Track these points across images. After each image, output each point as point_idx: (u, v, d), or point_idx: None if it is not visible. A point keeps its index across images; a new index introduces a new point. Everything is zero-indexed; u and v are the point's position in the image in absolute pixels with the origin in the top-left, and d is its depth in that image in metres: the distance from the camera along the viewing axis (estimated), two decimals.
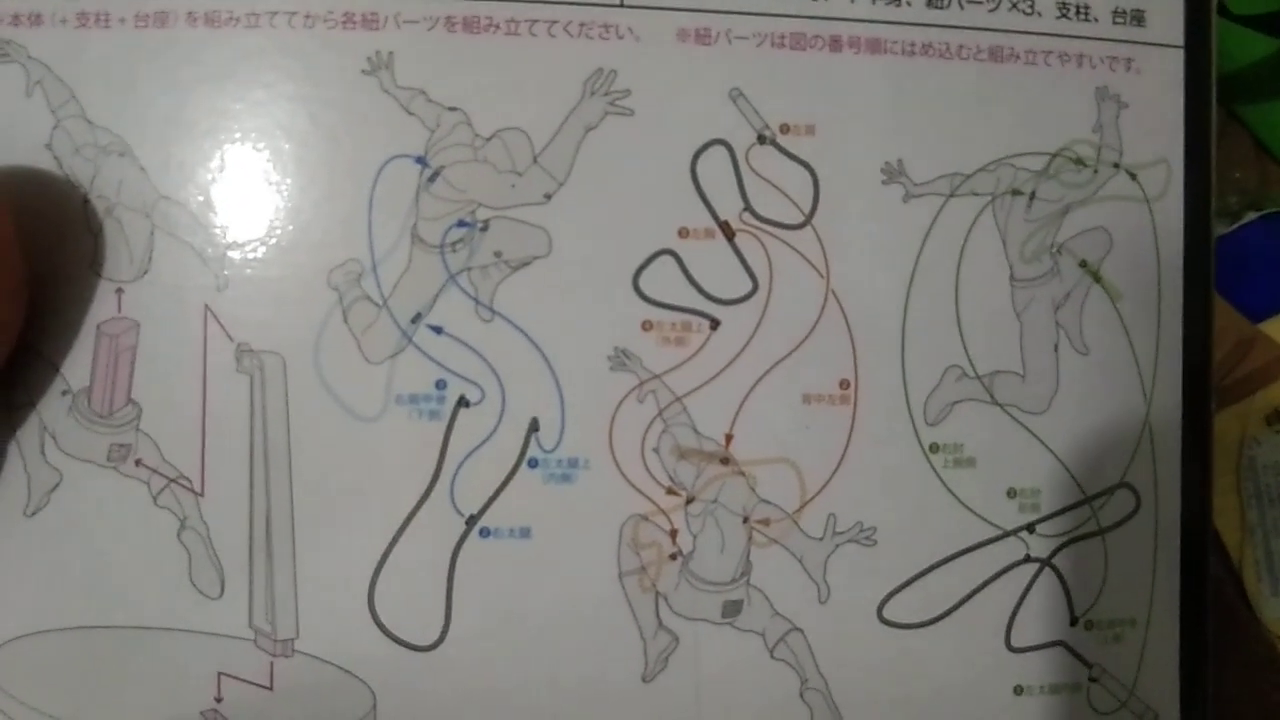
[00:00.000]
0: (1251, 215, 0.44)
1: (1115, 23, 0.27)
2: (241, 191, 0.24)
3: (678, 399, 0.25)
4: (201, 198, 0.24)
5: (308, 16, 0.24)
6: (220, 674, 0.24)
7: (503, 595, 0.25)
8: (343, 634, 0.24)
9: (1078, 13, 0.27)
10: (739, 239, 0.26)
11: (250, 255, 0.24)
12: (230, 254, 0.24)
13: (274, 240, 0.24)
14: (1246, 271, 0.44)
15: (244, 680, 0.24)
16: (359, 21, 0.24)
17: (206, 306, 0.24)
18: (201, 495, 0.24)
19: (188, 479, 0.24)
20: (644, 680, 0.25)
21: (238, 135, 0.24)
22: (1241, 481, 0.41)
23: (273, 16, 0.24)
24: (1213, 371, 0.28)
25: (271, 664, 0.24)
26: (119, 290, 0.24)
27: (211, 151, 0.24)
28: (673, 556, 0.25)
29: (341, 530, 0.24)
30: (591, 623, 0.25)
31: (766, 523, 0.26)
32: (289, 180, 0.24)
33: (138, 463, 0.24)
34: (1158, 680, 0.27)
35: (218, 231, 0.24)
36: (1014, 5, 0.26)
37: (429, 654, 0.25)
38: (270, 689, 0.24)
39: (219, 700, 0.24)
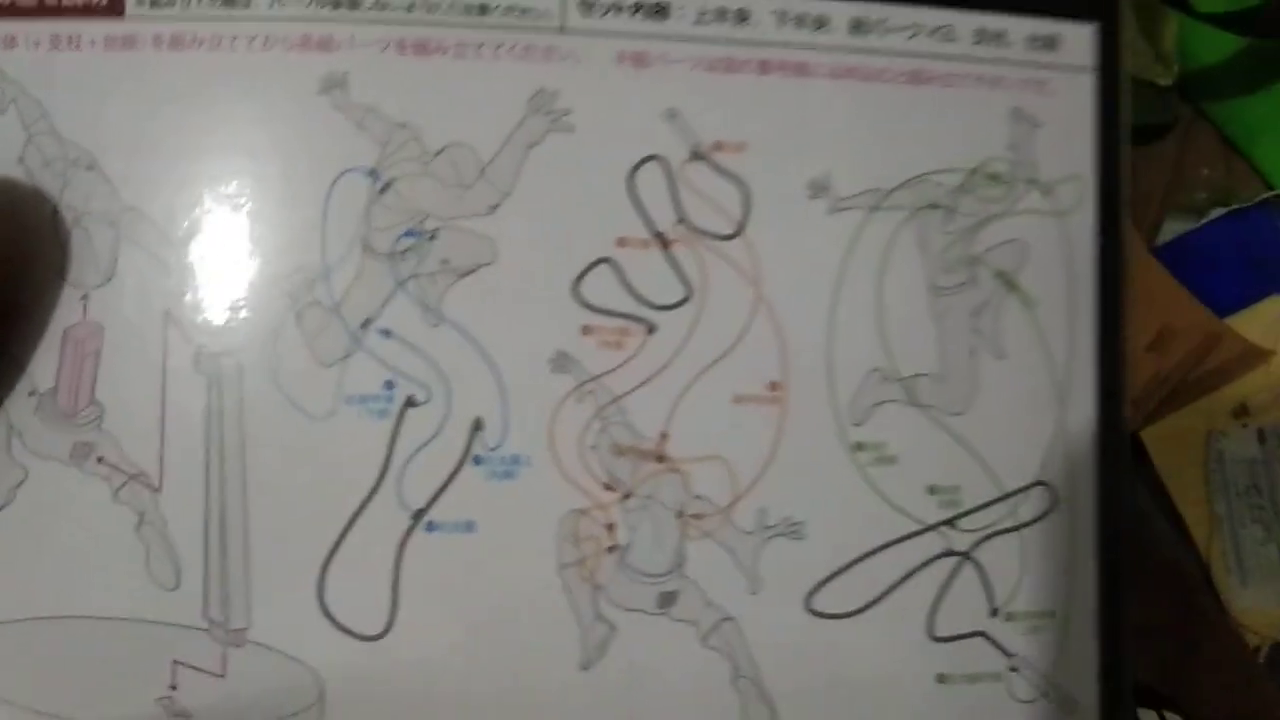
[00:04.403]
0: (1218, 211, 0.45)
1: (1030, 47, 0.29)
2: (202, 203, 0.26)
3: (615, 399, 0.27)
4: (165, 209, 0.26)
5: (266, 39, 0.26)
6: (175, 662, 0.26)
7: (447, 586, 0.26)
8: (293, 624, 0.25)
9: (993, 38, 0.29)
10: (674, 249, 0.27)
11: (209, 263, 0.26)
12: (191, 262, 0.26)
13: (232, 249, 0.26)
14: (1213, 267, 0.44)
15: (197, 668, 0.26)
16: (315, 44, 0.26)
17: (167, 311, 0.26)
18: (159, 491, 0.26)
19: (146, 475, 0.26)
20: (582, 668, 0.26)
21: (199, 150, 0.26)
22: (1209, 475, 0.42)
23: (234, 40, 0.26)
24: (1127, 374, 0.29)
25: (224, 653, 0.26)
26: (84, 296, 0.26)
27: (175, 165, 0.26)
28: (610, 549, 0.27)
29: (293, 524, 0.26)
30: (532, 613, 0.26)
31: (700, 517, 0.27)
32: (246, 193, 0.26)
33: (99, 460, 0.26)
34: (1077, 670, 0.29)
35: (179, 241, 0.26)
36: (933, 31, 0.28)
37: (376, 643, 0.26)
38: (223, 676, 0.26)
39: (173, 688, 0.26)
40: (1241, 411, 0.43)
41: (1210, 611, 0.41)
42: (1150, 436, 0.43)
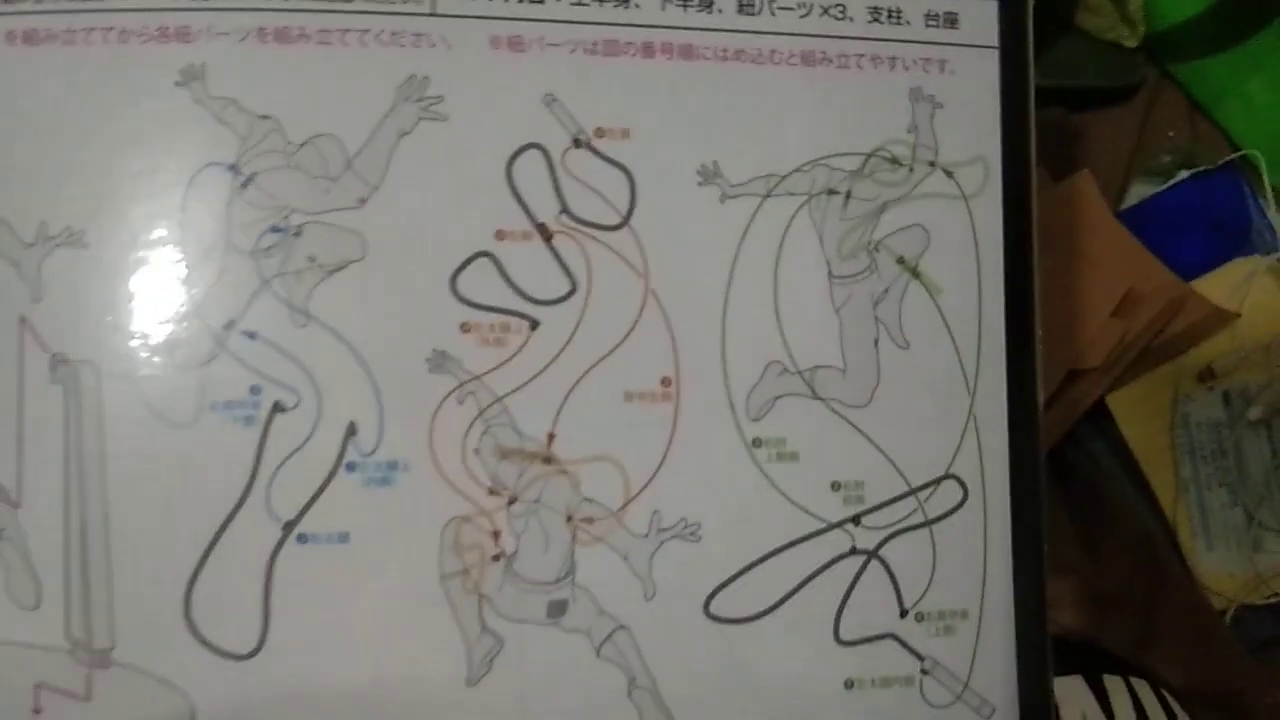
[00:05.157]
0: (1184, 174, 0.45)
1: (928, 25, 0.28)
2: (56, 203, 0.24)
3: (498, 399, 0.25)
4: (18, 210, 0.25)
5: (122, 32, 0.25)
6: (38, 685, 0.24)
7: (322, 601, 0.25)
8: (159, 643, 0.24)
9: (890, 16, 0.28)
10: (556, 240, 0.26)
11: (65, 266, 0.24)
12: (45, 265, 0.24)
13: (88, 250, 0.24)
14: (1178, 230, 0.44)
15: (62, 691, 0.24)
16: (172, 35, 0.25)
17: (22, 317, 0.24)
18: (18, 506, 0.24)
19: (4, 490, 0.24)
20: (468, 683, 0.25)
21: (54, 148, 0.25)
22: (1175, 438, 0.42)
23: (89, 33, 0.25)
24: (1039, 362, 0.28)
25: (89, 674, 0.24)
26: None
27: (28, 165, 0.25)
28: (496, 558, 0.25)
29: (157, 539, 0.24)
30: (414, 627, 0.25)
31: (590, 521, 0.26)
32: (103, 192, 0.25)
33: None
34: (993, 672, 0.27)
35: (33, 243, 0.24)
36: (825, 11, 0.27)
37: (247, 662, 0.24)
38: (88, 700, 0.24)
39: (38, 712, 0.24)
40: (1207, 375, 0.43)
41: (1176, 575, 0.40)
42: (1116, 401, 0.42)
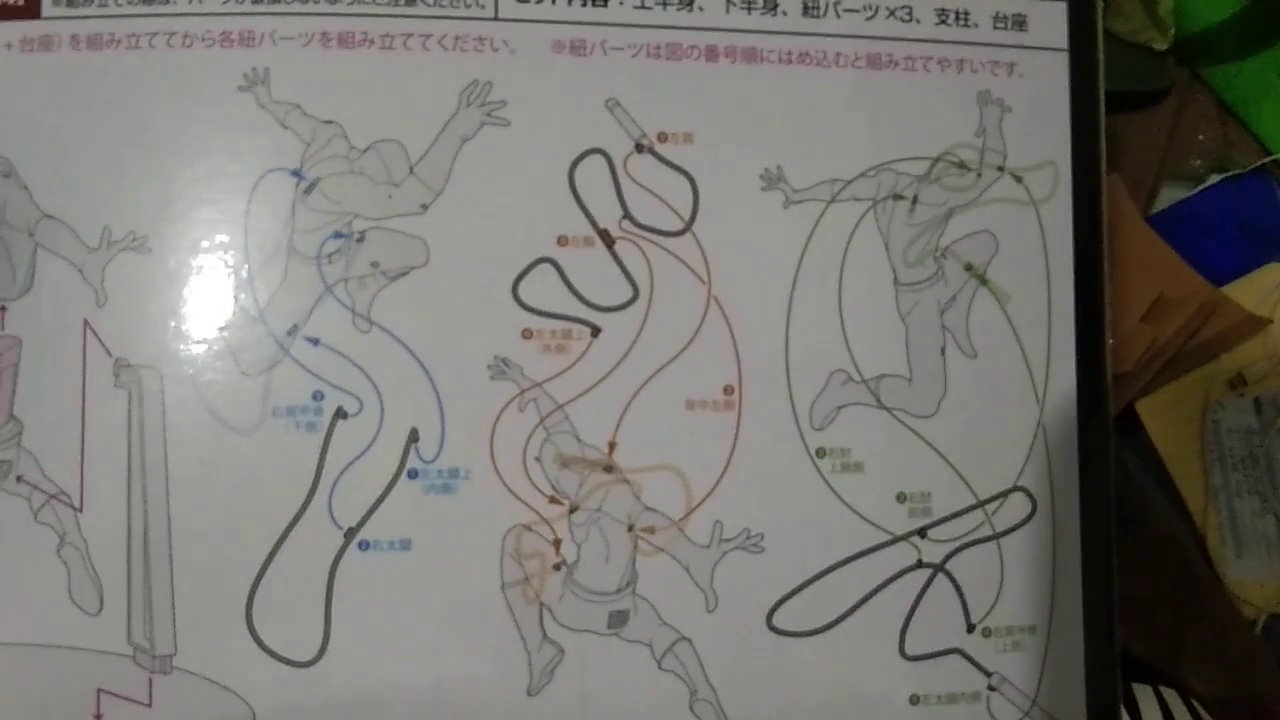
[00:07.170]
0: (1215, 178, 0.44)
1: (996, 28, 0.27)
2: (120, 208, 0.25)
3: (559, 407, 0.25)
4: (83, 215, 0.25)
5: (186, 36, 0.25)
6: (100, 691, 0.24)
7: (383, 609, 0.24)
8: (221, 650, 0.24)
9: (957, 19, 0.27)
10: (619, 246, 0.26)
11: (128, 271, 0.24)
12: (109, 270, 0.24)
13: (151, 255, 0.24)
14: (1209, 234, 0.43)
15: (123, 697, 0.24)
16: (236, 39, 0.25)
17: (86, 322, 0.24)
18: (81, 511, 0.24)
19: (67, 495, 0.24)
20: (529, 694, 0.25)
21: (117, 153, 0.25)
22: (1205, 445, 0.41)
23: (152, 37, 0.25)
24: (1110, 371, 0.27)
25: (150, 680, 0.24)
26: (2, 308, 0.25)
27: (92, 170, 0.25)
28: (557, 567, 0.25)
29: (219, 545, 0.24)
30: (474, 636, 0.25)
31: (652, 531, 0.25)
32: (167, 196, 0.25)
33: (18, 479, 0.24)
34: (1062, 689, 0.27)
35: (98, 248, 0.24)
36: (891, 13, 0.27)
37: (308, 669, 0.24)
38: (149, 705, 0.24)
39: (99, 717, 0.24)
40: (1238, 381, 0.42)
41: (1206, 584, 0.39)
42: (1146, 408, 0.42)
